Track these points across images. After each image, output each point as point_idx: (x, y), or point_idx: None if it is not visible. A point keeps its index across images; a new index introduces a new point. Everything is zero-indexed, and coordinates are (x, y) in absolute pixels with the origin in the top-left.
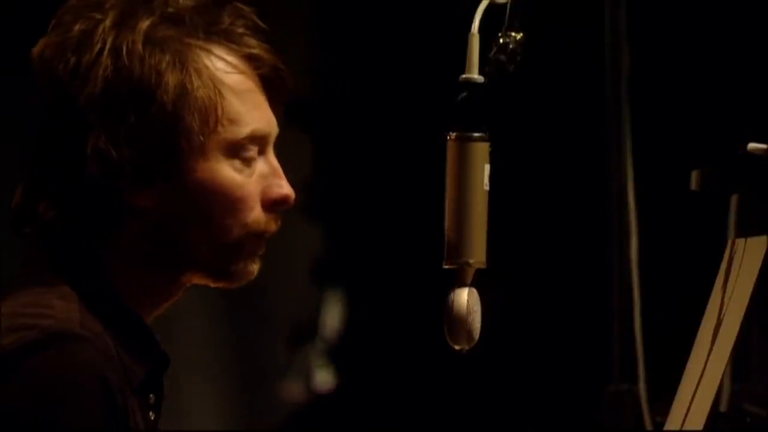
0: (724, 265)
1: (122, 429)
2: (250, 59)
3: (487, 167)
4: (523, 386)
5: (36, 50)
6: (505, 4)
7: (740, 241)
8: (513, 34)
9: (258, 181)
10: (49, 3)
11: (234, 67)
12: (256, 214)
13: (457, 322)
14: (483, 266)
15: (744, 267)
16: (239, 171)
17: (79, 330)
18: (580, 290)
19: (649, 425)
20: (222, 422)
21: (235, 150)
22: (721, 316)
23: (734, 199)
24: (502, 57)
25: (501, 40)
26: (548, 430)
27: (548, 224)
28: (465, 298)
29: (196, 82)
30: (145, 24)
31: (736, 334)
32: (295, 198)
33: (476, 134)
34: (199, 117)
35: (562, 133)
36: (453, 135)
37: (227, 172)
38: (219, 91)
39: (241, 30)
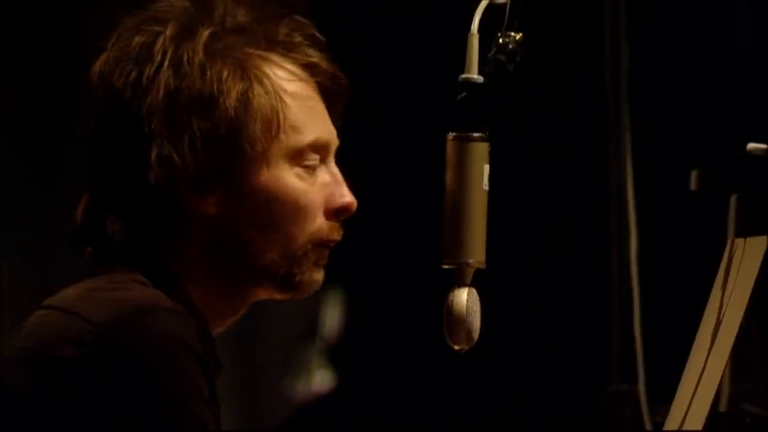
0: (723, 265)
1: (214, 400)
2: (308, 68)
3: (486, 167)
4: (523, 386)
5: (96, 66)
6: (504, 4)
7: (740, 241)
8: (512, 34)
9: (320, 189)
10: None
11: (294, 75)
12: (319, 222)
13: (456, 322)
14: (482, 266)
15: (743, 267)
16: (302, 179)
17: (168, 303)
18: (579, 290)
19: (648, 425)
20: (222, 422)
21: (298, 157)
22: (721, 316)
23: (734, 199)
24: (502, 57)
25: (500, 40)
26: (548, 430)
27: (548, 224)
28: (464, 298)
29: (258, 90)
30: (205, 34)
31: (735, 334)
32: (357, 206)
33: (476, 134)
34: (261, 124)
35: (562, 133)
36: (452, 135)
37: (290, 179)
38: (281, 99)
39: (298, 40)
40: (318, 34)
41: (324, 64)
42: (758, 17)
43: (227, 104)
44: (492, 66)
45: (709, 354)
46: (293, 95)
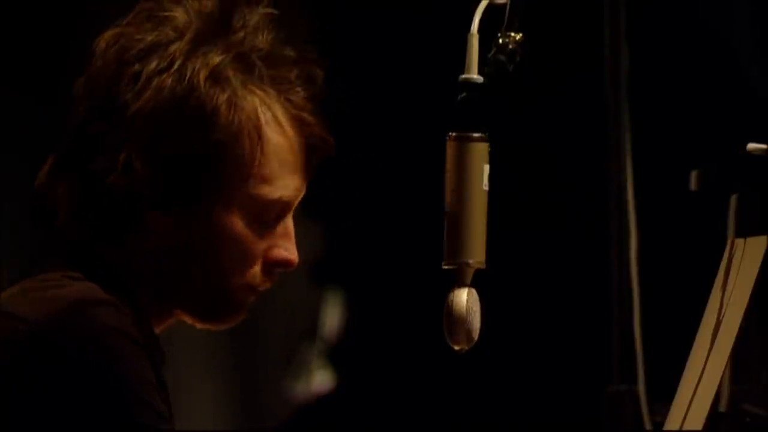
0: (723, 265)
1: (163, 388)
2: (301, 124)
3: (486, 167)
4: (523, 386)
5: (102, 40)
6: (504, 4)
7: (740, 241)
8: (512, 34)
9: (267, 239)
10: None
11: (283, 129)
12: (255, 270)
13: (456, 323)
14: (482, 266)
15: (743, 267)
16: (252, 228)
17: (101, 295)
18: (579, 290)
19: (648, 425)
20: (222, 422)
21: (257, 208)
22: (721, 316)
23: (734, 199)
24: (502, 57)
25: (500, 41)
26: (548, 430)
27: (548, 224)
28: (464, 298)
29: (245, 131)
30: (216, 58)
31: (735, 334)
32: (298, 264)
33: (476, 134)
34: (234, 165)
35: (562, 133)
36: (452, 135)
37: (241, 225)
38: (262, 148)
39: (303, 93)
40: (323, 90)
41: (316, 125)
42: (758, 17)
43: (208, 133)
44: (492, 66)
45: (709, 354)
46: (276, 148)
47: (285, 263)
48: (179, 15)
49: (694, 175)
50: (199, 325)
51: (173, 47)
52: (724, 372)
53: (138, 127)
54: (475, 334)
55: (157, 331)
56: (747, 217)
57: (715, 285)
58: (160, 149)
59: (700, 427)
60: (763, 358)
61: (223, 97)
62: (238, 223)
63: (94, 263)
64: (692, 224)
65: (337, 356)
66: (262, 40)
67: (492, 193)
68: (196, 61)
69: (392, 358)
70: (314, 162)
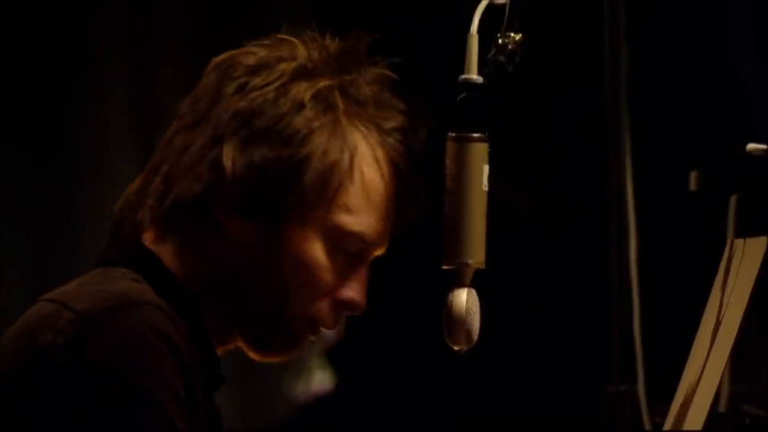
0: (723, 265)
1: (194, 403)
2: (398, 173)
3: (486, 167)
4: (523, 386)
5: (212, 64)
6: (504, 5)
7: (739, 242)
8: (512, 34)
9: (340, 275)
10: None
11: (380, 169)
12: (321, 304)
13: (456, 323)
14: (482, 267)
15: (743, 267)
16: (328, 256)
17: (153, 299)
18: (579, 290)
19: (648, 426)
20: (222, 422)
21: (335, 238)
22: (721, 316)
23: (734, 199)
24: (501, 57)
25: (500, 41)
26: (548, 430)
27: (547, 224)
28: (464, 298)
29: (335, 156)
30: (323, 83)
31: (735, 335)
32: (363, 311)
33: (475, 134)
34: (321, 187)
35: (562, 134)
36: (452, 135)
37: (317, 250)
38: (351, 176)
39: (399, 137)
40: (425, 144)
41: (409, 173)
42: (757, 17)
43: (302, 150)
44: (491, 66)
45: (709, 354)
46: (367, 183)
47: (351, 304)
48: (296, 42)
49: (694, 175)
50: (251, 353)
51: (282, 66)
52: (723, 372)
53: (234, 127)
54: (475, 335)
55: (218, 351)
56: (747, 217)
57: (715, 285)
58: (253, 153)
59: (700, 427)
60: (763, 358)
61: (325, 119)
62: (314, 247)
63: (159, 270)
64: (692, 224)
65: (337, 356)
66: (372, 88)
67: (491, 193)
68: (303, 83)
69: (392, 358)
70: (402, 217)
